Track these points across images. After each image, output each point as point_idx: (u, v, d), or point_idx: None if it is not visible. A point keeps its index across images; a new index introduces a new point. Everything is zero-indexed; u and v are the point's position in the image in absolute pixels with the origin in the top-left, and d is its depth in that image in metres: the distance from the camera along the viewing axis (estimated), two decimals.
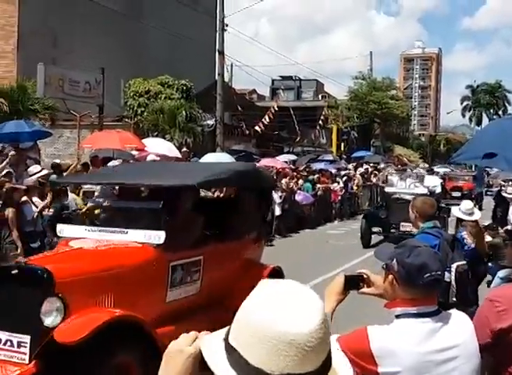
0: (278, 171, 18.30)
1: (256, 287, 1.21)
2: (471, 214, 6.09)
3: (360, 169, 24.65)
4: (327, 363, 1.17)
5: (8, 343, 4.34)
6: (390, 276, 2.15)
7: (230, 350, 1.17)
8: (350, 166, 25.57)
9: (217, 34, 23.52)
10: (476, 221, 5.88)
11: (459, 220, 7.10)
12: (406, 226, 12.99)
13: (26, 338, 4.29)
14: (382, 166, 27.69)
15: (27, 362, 4.24)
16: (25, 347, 4.27)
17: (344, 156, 33.06)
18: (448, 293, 4.48)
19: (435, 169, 33.76)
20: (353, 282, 2.30)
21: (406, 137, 61.25)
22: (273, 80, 56.36)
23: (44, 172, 9.46)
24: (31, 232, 8.38)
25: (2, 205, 8.20)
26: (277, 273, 6.53)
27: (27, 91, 17.67)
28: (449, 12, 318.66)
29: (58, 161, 11.03)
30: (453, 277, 4.48)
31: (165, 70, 24.72)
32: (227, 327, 1.22)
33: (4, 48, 26.58)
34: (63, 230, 5.67)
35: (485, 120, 76.18)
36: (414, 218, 4.86)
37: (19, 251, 8.07)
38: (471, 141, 5.82)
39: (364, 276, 2.33)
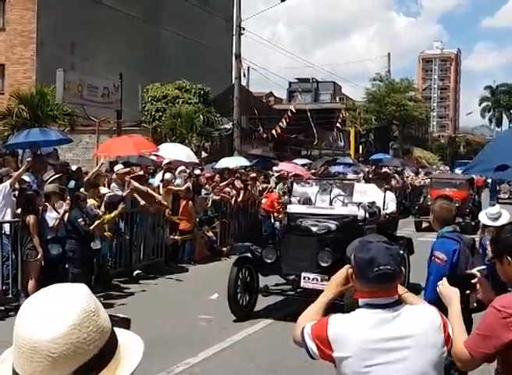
0: (295, 176, 18.24)
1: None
2: (497, 219, 5.76)
3: (378, 172, 24.40)
4: (87, 368, 1.18)
5: None
6: (350, 270, 2.32)
7: None
8: (366, 169, 25.32)
9: (234, 38, 23.54)
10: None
11: (484, 226, 6.53)
12: (310, 282, 7.49)
13: None
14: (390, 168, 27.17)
15: None
16: None
17: (362, 159, 32.87)
18: (468, 298, 4.45)
19: (457, 170, 32.74)
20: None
21: (425, 138, 60.78)
22: (290, 83, 56.34)
23: (58, 175, 9.52)
24: (53, 238, 8.44)
25: (23, 211, 8.29)
26: None
27: (47, 97, 17.85)
28: (469, 12, 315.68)
29: (74, 167, 11.09)
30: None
31: (182, 75, 24.83)
32: None
33: (23, 54, 26.91)
34: None
35: (506, 121, 75.27)
36: (433, 222, 4.86)
37: (39, 256, 8.16)
38: (482, 153, 5.74)
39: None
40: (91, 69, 23.25)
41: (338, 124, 34.78)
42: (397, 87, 44.33)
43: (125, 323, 1.34)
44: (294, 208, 9.12)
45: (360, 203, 8.76)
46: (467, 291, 2.58)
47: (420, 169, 32.22)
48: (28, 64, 26.80)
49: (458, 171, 31.44)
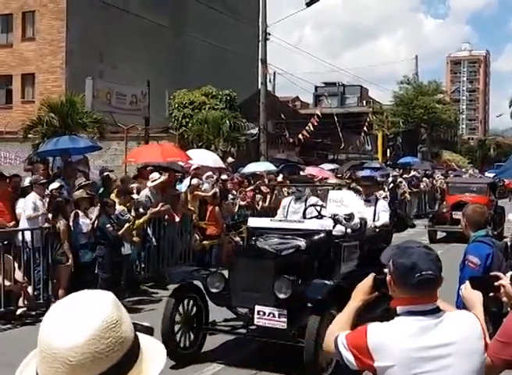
0: (322, 179, 18.15)
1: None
2: None
3: (406, 176, 24.15)
4: None
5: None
6: (388, 277, 2.24)
7: None
8: (396, 173, 24.98)
9: (260, 44, 23.60)
10: None
11: None
12: (264, 318, 5.92)
13: None
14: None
15: None
16: None
17: (390, 163, 32.58)
18: (502, 302, 4.38)
19: (487, 173, 32.09)
20: (381, 283, 2.36)
21: (454, 141, 60.00)
22: (316, 87, 56.20)
23: (89, 182, 9.71)
24: (86, 244, 8.54)
25: (53, 217, 8.41)
26: None
27: (76, 105, 18.13)
28: (499, 13, 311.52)
29: (106, 173, 11.21)
30: None
31: (208, 81, 24.99)
32: None
33: (52, 63, 27.45)
34: None
35: None
36: (465, 227, 4.74)
37: (69, 262, 8.26)
38: None
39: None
40: (119, 76, 23.57)
41: (365, 128, 34.56)
42: (425, 89, 43.94)
43: (148, 332, 1.35)
44: (255, 221, 7.45)
45: (335, 215, 6.98)
46: (491, 294, 2.51)
47: (449, 172, 31.81)
48: (58, 73, 27.32)
49: (488, 174, 30.75)
